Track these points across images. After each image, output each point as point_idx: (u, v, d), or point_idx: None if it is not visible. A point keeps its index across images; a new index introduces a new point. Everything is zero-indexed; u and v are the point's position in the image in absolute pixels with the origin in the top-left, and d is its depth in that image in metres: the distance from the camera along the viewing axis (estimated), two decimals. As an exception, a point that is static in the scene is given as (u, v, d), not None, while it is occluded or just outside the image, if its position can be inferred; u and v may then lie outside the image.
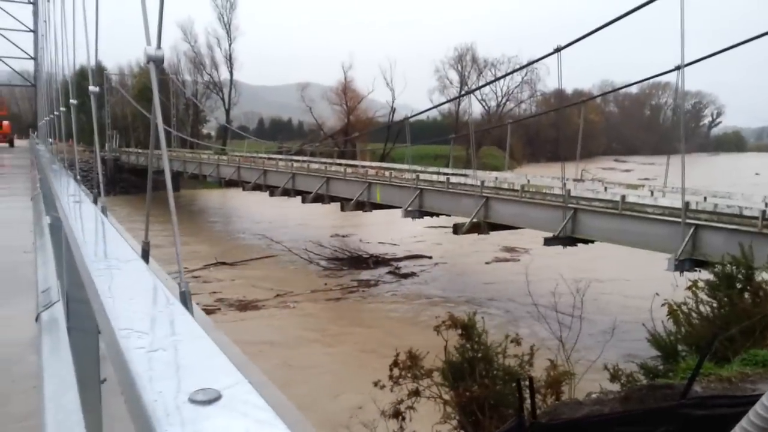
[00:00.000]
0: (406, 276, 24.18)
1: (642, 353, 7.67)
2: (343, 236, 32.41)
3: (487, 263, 26.69)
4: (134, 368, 0.96)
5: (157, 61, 2.47)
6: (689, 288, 7.48)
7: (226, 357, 0.99)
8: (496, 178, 23.44)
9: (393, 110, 76.34)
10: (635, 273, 21.25)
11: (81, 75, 11.95)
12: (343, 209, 26.52)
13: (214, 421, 0.77)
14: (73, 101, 8.06)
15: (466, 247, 29.33)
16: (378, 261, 26.30)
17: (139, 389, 0.88)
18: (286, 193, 31.21)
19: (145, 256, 3.18)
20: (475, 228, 19.35)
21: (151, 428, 0.78)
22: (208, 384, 0.87)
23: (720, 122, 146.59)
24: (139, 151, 52.81)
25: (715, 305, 7.28)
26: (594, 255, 20.50)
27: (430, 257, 27.18)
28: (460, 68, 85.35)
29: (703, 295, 7.36)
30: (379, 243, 30.23)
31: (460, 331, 7.41)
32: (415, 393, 7.23)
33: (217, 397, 0.83)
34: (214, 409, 0.81)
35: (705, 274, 8.52)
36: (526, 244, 27.92)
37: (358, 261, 26.33)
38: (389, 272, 24.59)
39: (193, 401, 0.82)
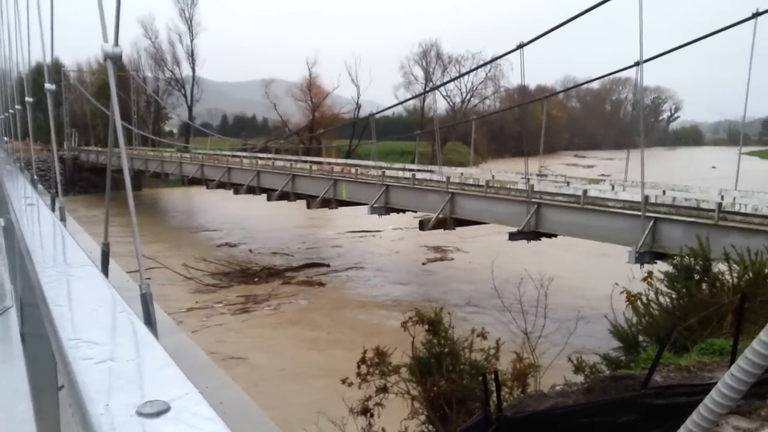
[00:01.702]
0: (313, 284, 22.58)
1: (595, 347, 7.81)
2: (232, 246, 30.09)
3: (423, 264, 26.12)
4: (81, 380, 0.92)
5: (115, 59, 2.42)
6: (644, 279, 7.67)
7: (177, 367, 0.96)
8: (462, 173, 23.62)
9: (358, 106, 76.11)
10: (578, 270, 21.36)
11: (37, 72, 11.65)
12: (309, 207, 26.32)
13: None
14: (28, 99, 7.84)
15: (390, 247, 29.02)
16: (272, 273, 24.17)
17: (86, 402, 0.85)
18: (251, 190, 30.91)
19: (105, 257, 3.10)
20: (441, 224, 19.47)
21: None
22: (157, 395, 0.84)
23: (678, 117, 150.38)
24: (99, 149, 51.62)
25: (674, 296, 7.47)
26: (531, 252, 20.14)
27: (328, 265, 25.53)
28: (424, 64, 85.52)
29: (662, 287, 7.54)
30: (273, 253, 28.16)
31: (427, 327, 7.46)
32: (383, 389, 7.24)
33: (166, 409, 0.81)
34: (161, 422, 0.78)
35: (664, 266, 8.73)
36: (455, 243, 27.74)
37: (248, 274, 24.00)
38: (284, 283, 22.75)
39: (140, 414, 0.80)
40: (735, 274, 7.35)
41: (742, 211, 12.42)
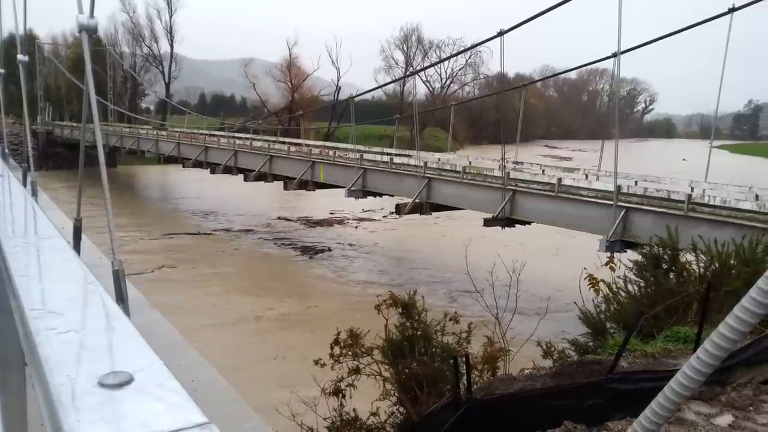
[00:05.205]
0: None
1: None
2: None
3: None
4: (43, 350, 0.91)
5: (90, 31, 2.37)
6: (606, 264, 7.79)
7: (143, 339, 0.96)
8: (439, 159, 23.65)
9: (338, 89, 75.58)
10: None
11: (9, 43, 11.41)
12: (286, 188, 26.21)
13: (123, 406, 0.74)
14: (0, 70, 7.66)
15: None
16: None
17: (46, 373, 0.84)
18: (228, 170, 30.64)
19: (77, 233, 3.06)
20: (418, 208, 19.53)
21: (55, 413, 0.75)
22: (120, 367, 0.83)
23: (653, 109, 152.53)
24: (73, 124, 50.64)
25: (642, 285, 7.61)
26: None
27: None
28: (405, 49, 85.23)
29: (630, 275, 7.68)
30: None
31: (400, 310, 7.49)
32: (356, 371, 7.27)
33: (129, 381, 0.80)
34: (124, 393, 0.77)
35: (634, 255, 8.89)
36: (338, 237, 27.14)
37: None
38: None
39: (102, 385, 0.79)
40: (702, 264, 7.51)
41: (711, 203, 12.66)
